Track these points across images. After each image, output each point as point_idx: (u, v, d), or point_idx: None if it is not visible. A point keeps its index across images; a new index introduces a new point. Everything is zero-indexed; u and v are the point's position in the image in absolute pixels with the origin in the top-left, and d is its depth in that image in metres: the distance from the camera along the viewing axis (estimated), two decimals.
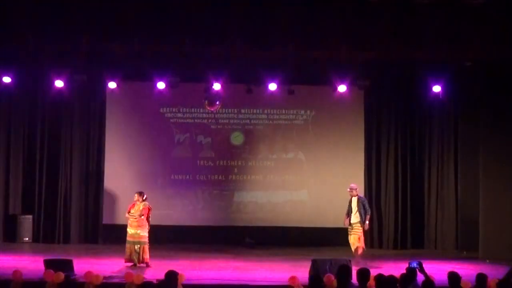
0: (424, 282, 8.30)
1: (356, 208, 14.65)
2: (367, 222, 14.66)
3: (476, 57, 15.41)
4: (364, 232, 14.83)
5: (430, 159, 17.91)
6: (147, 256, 13.69)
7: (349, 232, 14.74)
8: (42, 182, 17.49)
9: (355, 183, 15.22)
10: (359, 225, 14.56)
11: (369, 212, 14.78)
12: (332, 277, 10.81)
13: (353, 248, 14.59)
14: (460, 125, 17.58)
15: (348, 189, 14.97)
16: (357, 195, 14.84)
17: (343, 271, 8.16)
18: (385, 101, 17.96)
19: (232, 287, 11.59)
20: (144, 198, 13.89)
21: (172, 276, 8.41)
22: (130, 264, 13.61)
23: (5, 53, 15.73)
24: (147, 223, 13.83)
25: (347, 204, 17.31)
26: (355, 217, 14.63)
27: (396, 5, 13.68)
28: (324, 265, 11.82)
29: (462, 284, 8.92)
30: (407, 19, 13.67)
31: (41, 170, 17.53)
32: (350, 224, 14.68)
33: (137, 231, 13.72)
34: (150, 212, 13.87)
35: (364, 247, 14.76)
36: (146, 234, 13.78)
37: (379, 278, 8.12)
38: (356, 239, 14.53)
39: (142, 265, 13.56)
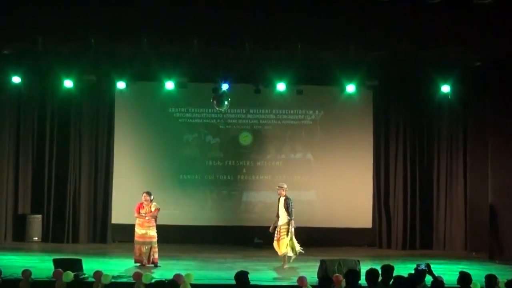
0: (433, 283, 8.27)
1: (283, 209, 13.98)
2: (291, 228, 13.85)
3: (484, 57, 15.37)
4: (292, 235, 13.96)
5: (439, 159, 17.84)
6: (156, 256, 13.69)
7: (275, 236, 14.04)
8: (51, 182, 17.51)
9: (285, 183, 14.43)
10: (286, 227, 13.85)
11: (291, 216, 13.84)
12: (341, 277, 10.79)
13: (279, 254, 13.93)
14: (469, 125, 17.50)
15: (277, 187, 14.33)
16: (285, 195, 14.06)
17: (351, 275, 8.13)
18: (394, 101, 17.89)
19: None
20: (151, 198, 13.89)
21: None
22: (139, 264, 13.60)
23: (15, 53, 15.80)
24: (155, 223, 13.83)
25: (355, 203, 17.41)
26: (281, 220, 13.95)
27: (405, 5, 13.64)
28: (332, 266, 11.79)
29: (471, 286, 8.86)
30: (415, 19, 13.62)
31: (50, 170, 17.55)
32: (275, 227, 14.00)
33: (147, 231, 13.71)
34: (158, 212, 13.88)
35: (289, 253, 13.90)
36: (155, 234, 13.77)
37: (399, 280, 8.03)
38: (283, 244, 13.83)
39: (151, 265, 13.55)
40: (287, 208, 13.87)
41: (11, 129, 17.25)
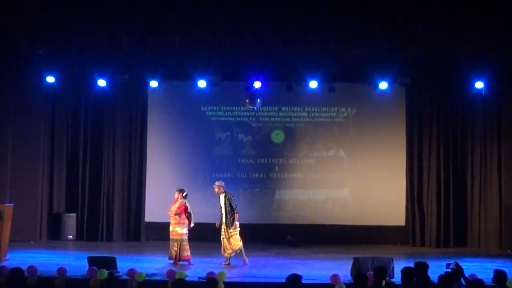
0: (467, 283, 8.20)
1: (224, 207, 13.71)
2: (236, 222, 13.58)
3: None
4: (239, 232, 13.71)
5: (473, 156, 17.65)
6: (186, 253, 13.67)
7: (222, 235, 13.72)
8: (85, 181, 17.67)
9: (220, 181, 14.10)
10: (234, 224, 13.60)
11: (236, 210, 13.60)
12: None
13: (226, 254, 13.66)
14: (503, 122, 17.30)
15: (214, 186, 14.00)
16: (223, 192, 13.77)
17: (379, 273, 8.10)
18: (427, 98, 17.73)
19: (273, 285, 11.54)
20: (184, 195, 13.90)
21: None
22: (172, 261, 13.66)
23: (49, 53, 15.96)
24: (186, 221, 13.83)
25: (388, 201, 17.30)
26: (224, 217, 13.70)
27: (438, 1, 13.54)
28: (366, 264, 11.73)
29: (507, 284, 8.76)
30: (449, 15, 13.51)
31: (84, 169, 17.71)
32: (220, 225, 13.72)
33: (175, 228, 13.76)
34: (187, 210, 13.86)
35: (233, 249, 13.61)
36: (185, 232, 13.75)
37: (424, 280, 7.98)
38: (236, 240, 13.59)
39: (183, 262, 13.59)
40: (230, 204, 13.62)
41: (45, 128, 17.41)
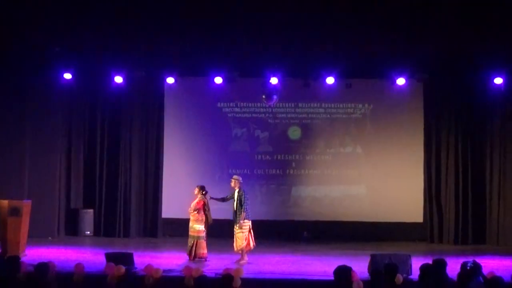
0: (485, 282, 8.16)
1: (235, 203, 13.63)
2: (241, 221, 13.43)
3: None
4: (248, 233, 13.59)
5: (491, 152, 17.50)
6: (203, 251, 13.68)
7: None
8: (102, 177, 17.75)
9: (238, 176, 14.00)
10: (240, 223, 13.47)
11: (244, 208, 13.43)
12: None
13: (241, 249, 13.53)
14: None
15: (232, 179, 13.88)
16: (239, 187, 13.67)
17: (390, 270, 8.05)
18: (445, 94, 17.60)
19: (290, 281, 11.56)
20: (204, 192, 13.92)
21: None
22: (190, 257, 13.69)
23: (66, 50, 16.03)
24: (204, 218, 13.84)
25: (406, 198, 17.22)
26: (234, 214, 13.65)
27: None
28: (383, 260, 11.66)
29: None
30: (467, 10, 13.40)
31: (101, 165, 17.78)
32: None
33: (194, 225, 13.79)
34: (205, 206, 13.88)
35: (236, 248, 13.55)
36: (202, 229, 13.77)
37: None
38: (241, 239, 13.45)
39: (200, 259, 13.60)
40: (240, 201, 13.47)
41: (63, 124, 17.49)
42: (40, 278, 8.55)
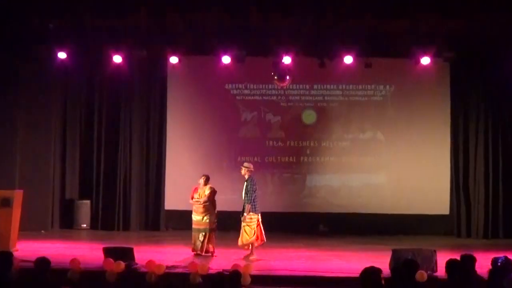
0: None
1: (243, 192, 13.47)
2: (245, 214, 13.27)
3: None
4: (256, 227, 13.43)
5: None
6: (211, 245, 13.70)
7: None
8: (100, 165, 17.79)
9: (249, 163, 13.79)
10: (249, 215, 13.30)
11: (249, 199, 13.25)
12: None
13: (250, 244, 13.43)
14: None
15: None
16: (248, 175, 13.50)
17: (408, 266, 7.97)
18: (473, 74, 17.53)
19: (304, 278, 11.55)
20: (207, 181, 13.90)
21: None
22: (195, 253, 13.67)
23: (60, 27, 16.00)
24: (213, 209, 13.83)
25: (430, 188, 17.15)
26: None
27: None
28: (405, 256, 11.64)
29: None
30: None
31: (99, 152, 17.81)
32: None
33: (203, 217, 13.74)
34: (214, 195, 13.87)
35: (242, 243, 13.41)
36: (213, 221, 13.76)
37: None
38: (248, 233, 13.32)
39: (206, 254, 13.60)
40: (247, 191, 13.32)
41: (57, 108, 17.52)
42: (40, 275, 8.55)
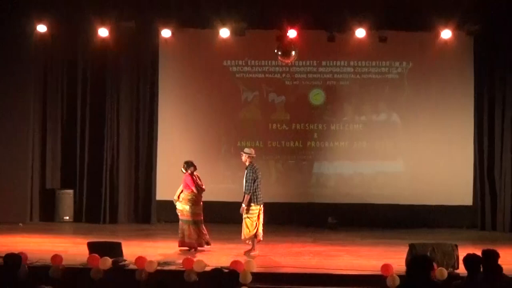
0: None
1: (244, 181, 13.46)
2: (243, 205, 13.26)
3: None
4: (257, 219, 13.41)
5: None
6: (192, 238, 13.73)
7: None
8: (84, 150, 17.81)
9: (250, 148, 13.78)
10: (242, 207, 13.32)
11: (248, 189, 13.23)
12: (435, 266, 10.72)
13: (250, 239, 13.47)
14: None
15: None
16: (249, 162, 13.46)
17: (420, 263, 7.94)
18: (500, 49, 17.49)
19: (311, 276, 11.58)
20: (186, 167, 13.87)
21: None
22: (184, 248, 13.70)
23: None
24: (194, 197, 13.79)
25: (451, 176, 17.15)
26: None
27: None
28: (424, 251, 11.71)
29: None
30: None
31: (83, 137, 17.83)
32: None
33: (185, 206, 13.78)
34: (193, 180, 13.81)
35: (244, 236, 13.43)
36: (194, 211, 13.78)
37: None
38: (247, 226, 13.34)
39: (203, 248, 13.64)
40: (246, 180, 13.34)
41: (36, 87, 17.51)
42: (10, 273, 8.58)
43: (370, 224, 17.28)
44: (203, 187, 13.87)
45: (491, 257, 8.25)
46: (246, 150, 13.67)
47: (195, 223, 13.71)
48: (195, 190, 13.74)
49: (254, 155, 13.63)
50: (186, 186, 13.78)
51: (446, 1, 15.57)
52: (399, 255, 12.23)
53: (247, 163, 13.53)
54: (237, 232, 13.77)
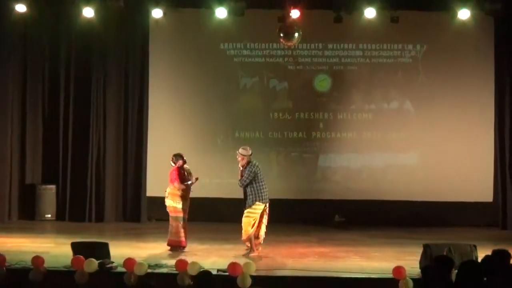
0: None
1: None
2: (250, 202, 13.33)
3: None
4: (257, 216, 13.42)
5: None
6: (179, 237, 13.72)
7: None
8: (67, 143, 17.79)
9: (245, 147, 13.59)
10: (250, 206, 13.38)
11: (244, 182, 13.28)
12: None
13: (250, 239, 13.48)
14: None
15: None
16: (247, 161, 13.37)
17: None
18: None
19: (316, 279, 11.56)
20: (174, 160, 13.87)
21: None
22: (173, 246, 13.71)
23: None
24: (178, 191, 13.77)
25: (470, 170, 17.14)
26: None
27: None
28: (440, 252, 11.68)
29: None
30: None
31: (66, 128, 17.80)
32: None
33: (170, 202, 13.78)
34: (178, 174, 13.78)
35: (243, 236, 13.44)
36: (181, 207, 13.76)
37: None
38: (244, 225, 13.38)
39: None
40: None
41: (15, 74, 17.49)
42: None
43: (380, 222, 17.28)
44: (191, 182, 13.80)
45: (502, 257, 8.24)
46: (241, 151, 13.44)
47: (178, 219, 13.68)
48: (176, 185, 13.69)
49: (251, 153, 13.42)
50: (170, 180, 13.77)
51: None
52: (413, 256, 12.24)
53: (243, 163, 13.38)
54: (235, 231, 13.76)
